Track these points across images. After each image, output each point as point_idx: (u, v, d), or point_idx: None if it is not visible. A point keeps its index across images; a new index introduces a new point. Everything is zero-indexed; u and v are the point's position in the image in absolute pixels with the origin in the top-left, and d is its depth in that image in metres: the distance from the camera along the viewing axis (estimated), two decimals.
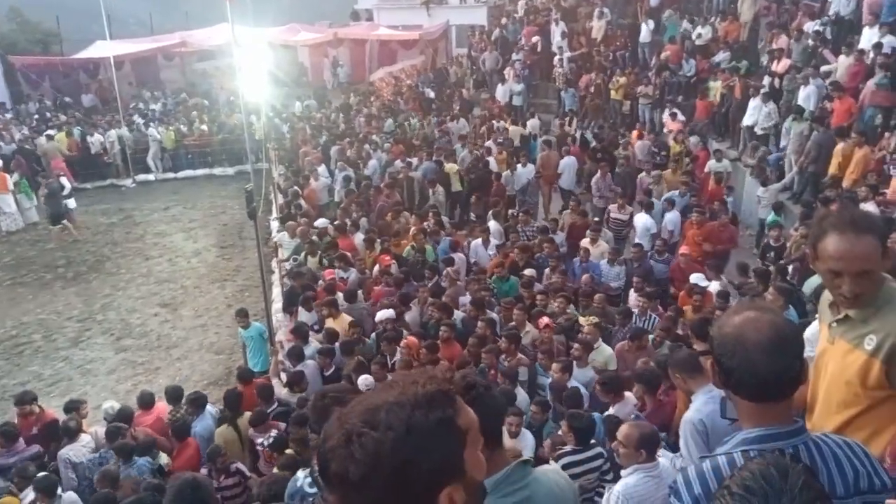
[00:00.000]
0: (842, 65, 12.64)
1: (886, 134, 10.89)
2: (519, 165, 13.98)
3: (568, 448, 5.02)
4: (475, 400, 1.79)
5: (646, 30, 18.48)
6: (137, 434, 6.89)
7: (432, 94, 22.17)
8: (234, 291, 13.44)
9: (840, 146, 10.83)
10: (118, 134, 20.44)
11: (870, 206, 9.03)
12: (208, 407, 7.50)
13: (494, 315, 8.35)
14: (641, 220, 11.21)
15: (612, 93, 17.44)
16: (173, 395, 7.64)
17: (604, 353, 7.14)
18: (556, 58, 20.00)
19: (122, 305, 13.13)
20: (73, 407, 7.48)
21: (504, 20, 24.25)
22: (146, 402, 7.63)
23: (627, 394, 5.86)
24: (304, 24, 29.68)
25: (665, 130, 15.29)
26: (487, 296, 8.79)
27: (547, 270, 9.54)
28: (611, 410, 5.73)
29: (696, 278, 8.86)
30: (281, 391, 7.50)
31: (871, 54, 12.13)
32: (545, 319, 7.76)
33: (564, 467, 4.83)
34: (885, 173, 10.14)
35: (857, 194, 9.50)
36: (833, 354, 2.38)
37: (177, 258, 15.27)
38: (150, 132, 20.96)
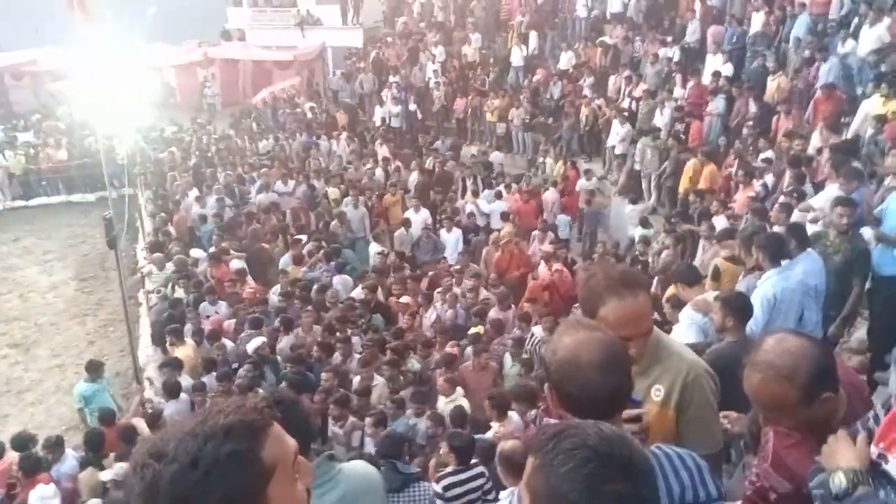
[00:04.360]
0: (691, 87, 13.75)
1: (731, 151, 11.89)
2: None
3: (449, 469, 5.00)
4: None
5: (518, 53, 19.20)
6: None
7: (310, 115, 21.90)
8: (97, 327, 12.50)
9: (691, 163, 11.75)
10: None
11: (721, 219, 9.80)
12: (69, 450, 6.98)
13: (337, 356, 8.00)
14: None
15: (488, 115, 17.95)
16: (20, 444, 6.95)
17: (461, 402, 6.76)
18: (433, 81, 20.35)
19: None
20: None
21: (379, 44, 24.40)
22: None
23: (511, 413, 5.93)
24: (171, 44, 28.45)
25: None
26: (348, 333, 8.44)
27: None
28: (494, 428, 5.78)
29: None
30: (145, 431, 7.03)
31: (713, 80, 13.32)
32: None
33: (446, 488, 4.82)
34: (732, 189, 11.06)
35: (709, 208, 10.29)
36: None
37: (29, 293, 14.01)
38: None
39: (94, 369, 8.52)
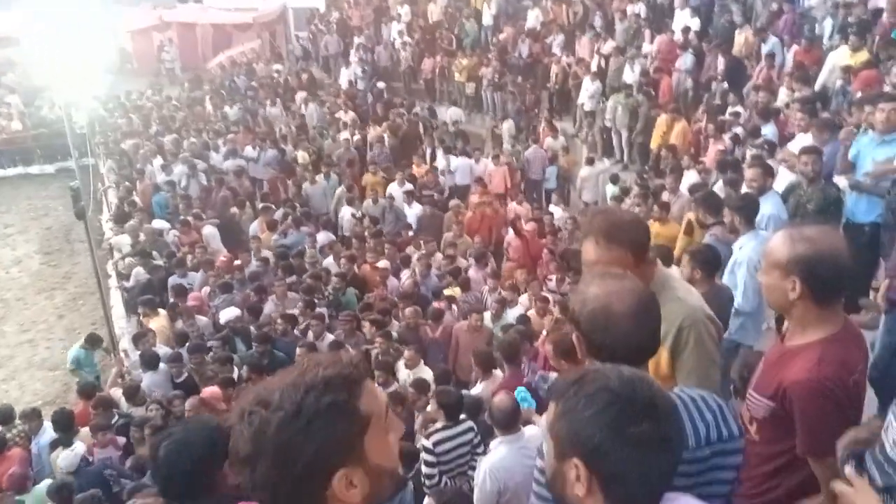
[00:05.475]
0: (660, 43, 13.74)
1: (701, 107, 11.96)
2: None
3: (438, 425, 5.05)
4: None
5: (487, 12, 18.92)
6: None
7: (281, 79, 21.44)
8: (66, 300, 12.25)
9: (662, 119, 11.80)
10: None
11: (692, 174, 9.89)
12: (46, 421, 6.90)
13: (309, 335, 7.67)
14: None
15: (456, 75, 17.73)
16: (3, 415, 6.89)
17: (425, 373, 6.49)
18: (399, 41, 19.98)
19: None
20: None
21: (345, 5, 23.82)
22: None
23: (496, 371, 5.99)
24: (125, 6, 27.42)
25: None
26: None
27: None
28: (478, 387, 5.84)
29: None
30: (122, 402, 6.98)
31: (682, 35, 13.31)
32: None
33: (436, 444, 4.87)
34: (701, 143, 11.16)
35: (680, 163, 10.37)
36: None
37: None
38: None
39: (93, 342, 8.65)
